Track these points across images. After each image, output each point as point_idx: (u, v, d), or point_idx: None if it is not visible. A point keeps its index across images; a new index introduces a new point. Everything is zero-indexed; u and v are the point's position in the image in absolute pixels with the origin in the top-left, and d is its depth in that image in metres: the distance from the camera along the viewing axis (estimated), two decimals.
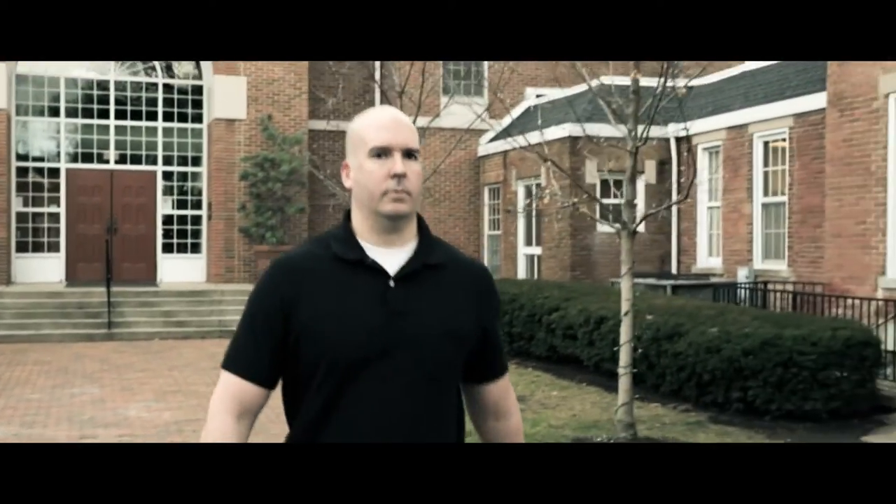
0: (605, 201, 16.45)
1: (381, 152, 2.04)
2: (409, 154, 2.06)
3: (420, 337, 2.02)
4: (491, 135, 20.01)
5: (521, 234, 18.41)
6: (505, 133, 19.25)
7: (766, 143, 14.58)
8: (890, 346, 9.80)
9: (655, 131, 16.61)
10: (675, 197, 16.58)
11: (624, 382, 7.38)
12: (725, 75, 17.00)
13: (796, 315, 10.11)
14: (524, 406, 8.97)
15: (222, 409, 2.07)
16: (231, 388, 2.08)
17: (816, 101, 12.97)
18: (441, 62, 20.10)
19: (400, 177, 2.02)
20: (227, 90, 18.18)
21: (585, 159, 16.01)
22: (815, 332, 8.58)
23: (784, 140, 14.09)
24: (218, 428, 2.06)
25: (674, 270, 16.42)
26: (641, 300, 11.10)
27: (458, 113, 17.04)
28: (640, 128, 7.79)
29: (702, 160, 16.15)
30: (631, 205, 7.85)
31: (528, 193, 17.99)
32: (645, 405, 9.12)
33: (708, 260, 15.90)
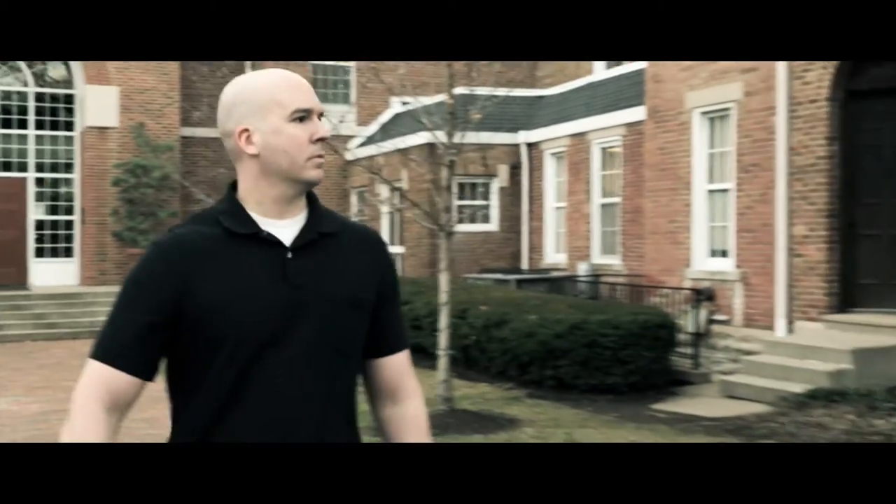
0: (463, 203, 17.68)
1: (304, 115, 1.92)
2: (320, 118, 1.97)
3: (323, 308, 1.92)
4: (358, 141, 21.03)
5: (386, 234, 19.47)
6: (371, 140, 20.31)
7: (603, 150, 16.00)
8: (691, 329, 11.22)
9: (507, 138, 17.98)
10: (525, 199, 17.93)
11: (443, 363, 8.49)
12: (570, 87, 18.42)
13: (605, 303, 11.47)
14: None
15: (91, 400, 1.84)
16: (101, 377, 1.86)
17: (642, 112, 14.43)
18: (309, 70, 21.00)
19: (324, 141, 1.94)
20: (98, 99, 18.69)
21: (441, 165, 17.15)
22: (618, 317, 9.89)
23: (617, 147, 15.53)
24: (87, 422, 1.83)
25: (525, 266, 17.74)
26: (482, 293, 12.30)
27: (325, 120, 17.84)
28: (459, 136, 8.85)
29: (549, 164, 17.51)
30: (447, 210, 8.91)
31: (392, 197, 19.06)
32: (475, 385, 10.28)
33: (554, 256, 17.28)
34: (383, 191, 19.63)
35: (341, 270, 1.97)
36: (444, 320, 8.57)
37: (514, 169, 18.11)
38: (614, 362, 9.72)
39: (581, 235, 16.30)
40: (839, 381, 8.95)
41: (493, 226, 18.03)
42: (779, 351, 10.18)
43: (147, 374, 1.90)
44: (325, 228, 1.98)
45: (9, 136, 18.93)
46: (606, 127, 15.70)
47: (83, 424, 1.82)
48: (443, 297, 8.61)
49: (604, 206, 15.93)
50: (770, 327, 11.04)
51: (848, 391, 8.68)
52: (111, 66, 18.77)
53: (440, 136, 8.88)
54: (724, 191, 12.06)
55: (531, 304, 10.87)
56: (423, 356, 12.35)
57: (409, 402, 2.09)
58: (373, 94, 21.54)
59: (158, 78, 19.11)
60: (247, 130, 1.92)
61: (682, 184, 12.51)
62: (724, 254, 12.12)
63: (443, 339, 8.57)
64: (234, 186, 1.99)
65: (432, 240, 17.40)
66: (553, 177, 17.48)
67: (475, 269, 17.08)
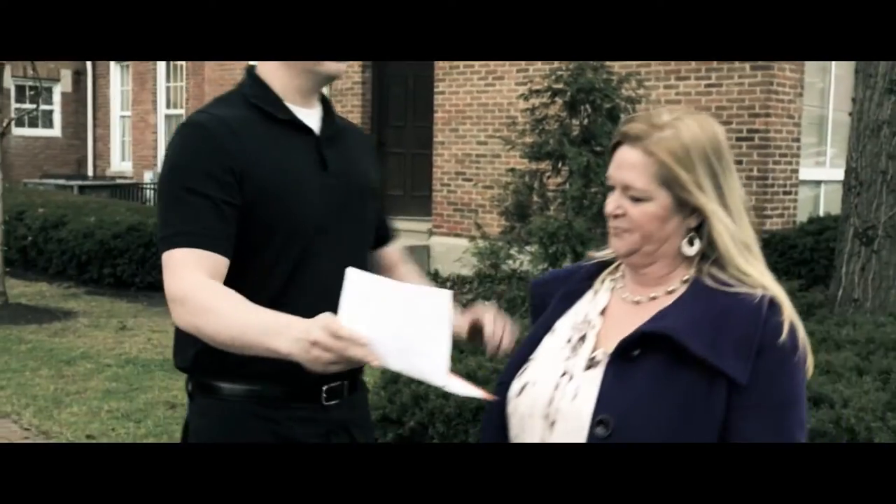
0: (21, 106, 17.25)
1: None
2: None
3: (355, 198, 1.93)
4: None
5: None
6: None
7: (168, 62, 16.51)
8: None
9: None
10: (89, 106, 17.92)
11: None
12: None
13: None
14: None
15: (209, 281, 1.70)
16: (195, 262, 1.71)
17: None
18: None
19: None
20: None
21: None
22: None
23: (181, 60, 16.15)
24: (228, 295, 1.67)
25: (91, 173, 17.83)
26: (42, 196, 12.50)
27: None
28: None
29: (115, 73, 17.63)
30: None
31: None
32: (33, 284, 10.65)
33: (121, 164, 17.58)
34: None
35: (359, 162, 1.98)
36: None
37: (79, 75, 17.95)
38: None
39: (147, 145, 16.76)
40: None
41: (55, 131, 17.82)
42: None
43: (230, 254, 1.76)
44: (339, 121, 1.98)
45: None
46: None
47: (229, 299, 1.66)
48: None
49: (169, 117, 16.51)
50: None
51: None
52: None
53: None
54: None
55: (91, 207, 11.37)
56: None
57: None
58: None
59: None
60: None
61: None
62: None
63: None
64: (255, 76, 1.89)
65: None
66: (118, 85, 17.64)
67: (37, 175, 16.86)
